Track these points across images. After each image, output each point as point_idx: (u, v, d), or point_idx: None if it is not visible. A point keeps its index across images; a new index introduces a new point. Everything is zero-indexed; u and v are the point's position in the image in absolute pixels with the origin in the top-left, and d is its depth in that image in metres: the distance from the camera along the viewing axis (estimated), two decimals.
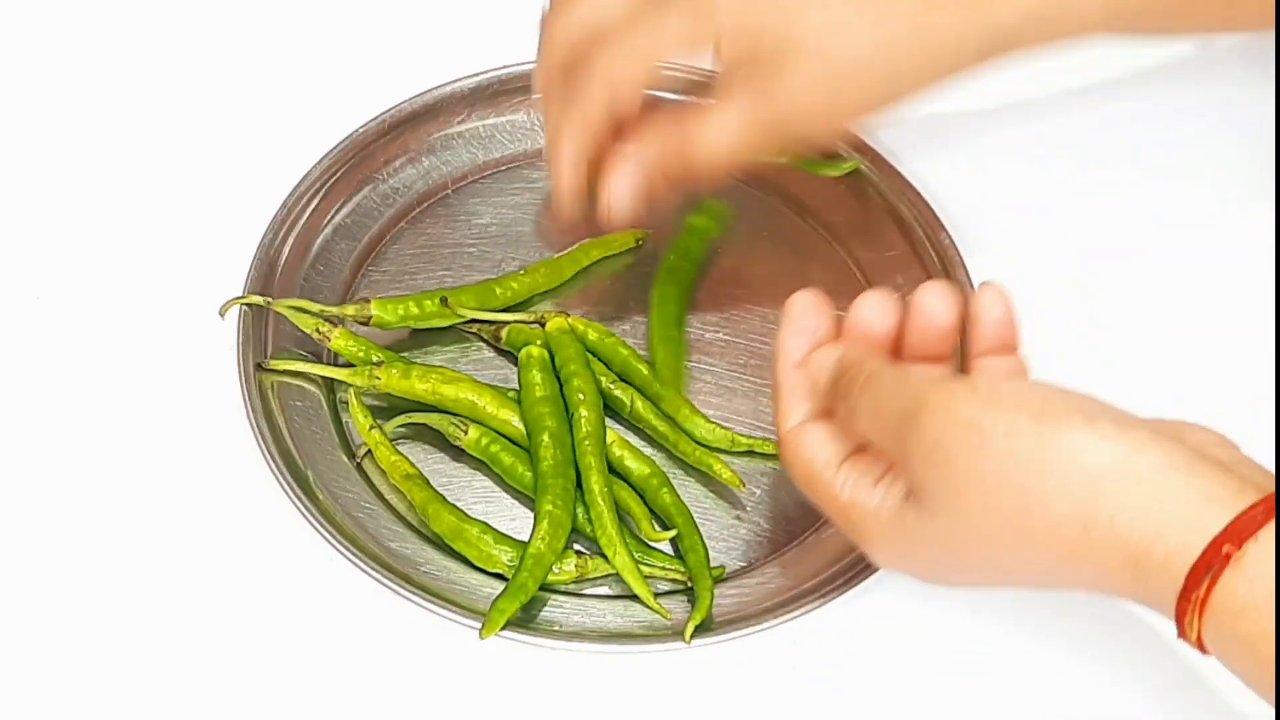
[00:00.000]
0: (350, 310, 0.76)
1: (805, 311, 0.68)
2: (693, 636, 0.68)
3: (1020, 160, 0.85)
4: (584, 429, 0.73)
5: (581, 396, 0.73)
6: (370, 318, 0.76)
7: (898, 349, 0.68)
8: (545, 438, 0.72)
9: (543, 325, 0.76)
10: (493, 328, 0.77)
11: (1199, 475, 0.58)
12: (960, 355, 0.68)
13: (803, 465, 0.66)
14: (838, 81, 0.69)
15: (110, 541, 0.72)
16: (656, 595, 0.70)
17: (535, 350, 0.75)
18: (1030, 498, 0.59)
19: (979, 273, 0.78)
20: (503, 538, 0.71)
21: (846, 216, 0.82)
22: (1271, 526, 0.56)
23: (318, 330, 0.76)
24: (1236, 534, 0.56)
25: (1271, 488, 0.57)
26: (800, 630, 0.70)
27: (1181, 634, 0.58)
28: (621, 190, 0.72)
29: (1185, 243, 0.83)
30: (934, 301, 0.67)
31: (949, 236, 0.80)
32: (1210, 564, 0.56)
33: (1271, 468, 0.60)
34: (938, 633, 0.71)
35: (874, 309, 0.67)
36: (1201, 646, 0.58)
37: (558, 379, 0.74)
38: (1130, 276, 0.82)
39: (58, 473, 0.74)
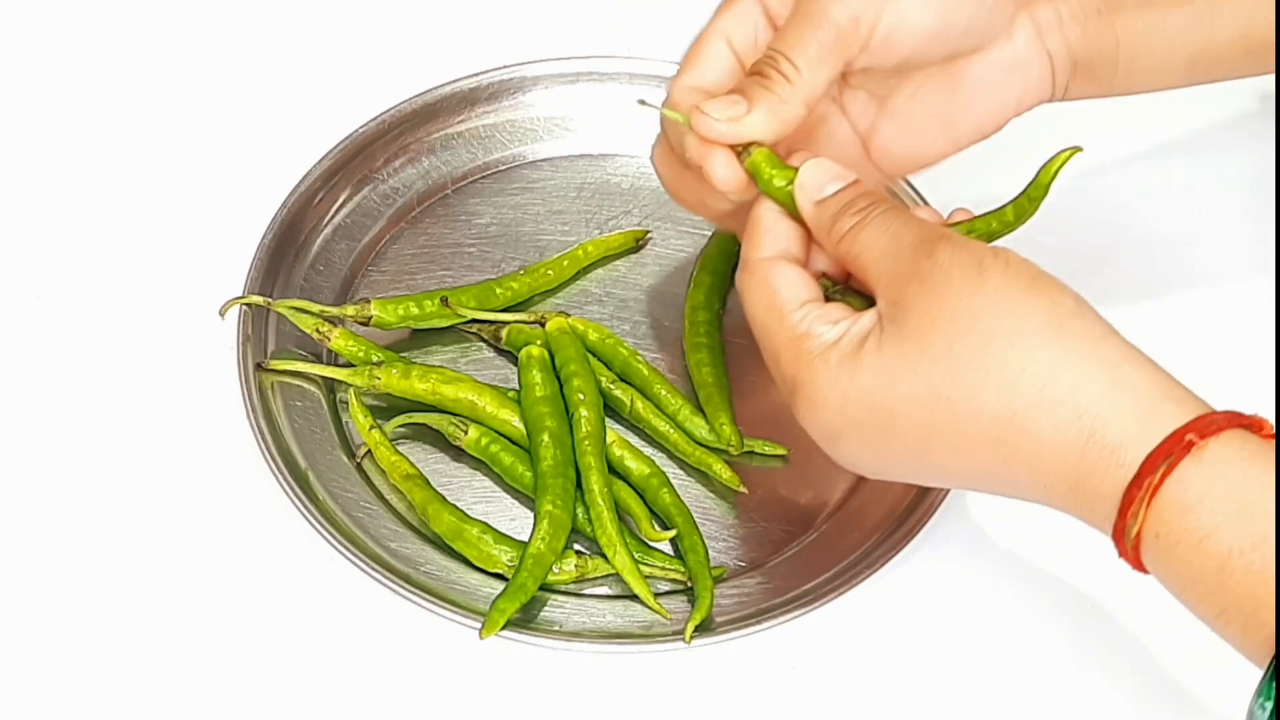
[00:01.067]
0: (350, 310, 0.76)
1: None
2: (693, 636, 0.68)
3: (1020, 158, 0.85)
4: (584, 429, 0.73)
5: (581, 396, 0.73)
6: (370, 318, 0.76)
7: None
8: (545, 438, 0.72)
9: (543, 325, 0.76)
10: (493, 328, 0.77)
11: (1166, 378, 0.58)
12: None
13: (765, 294, 0.65)
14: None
15: (110, 541, 0.72)
16: (657, 595, 0.70)
17: (535, 350, 0.75)
18: (997, 348, 0.58)
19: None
20: (503, 538, 0.71)
21: None
22: (1233, 433, 0.56)
23: (318, 330, 0.76)
24: (1200, 428, 0.56)
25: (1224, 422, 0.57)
26: (800, 630, 0.70)
27: (1120, 528, 0.57)
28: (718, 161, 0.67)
29: (1187, 247, 0.83)
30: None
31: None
32: (1169, 451, 0.56)
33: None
34: (937, 633, 0.71)
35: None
36: (1138, 558, 0.57)
37: (558, 379, 0.74)
38: (1132, 287, 0.82)
39: (58, 473, 0.74)
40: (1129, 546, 0.57)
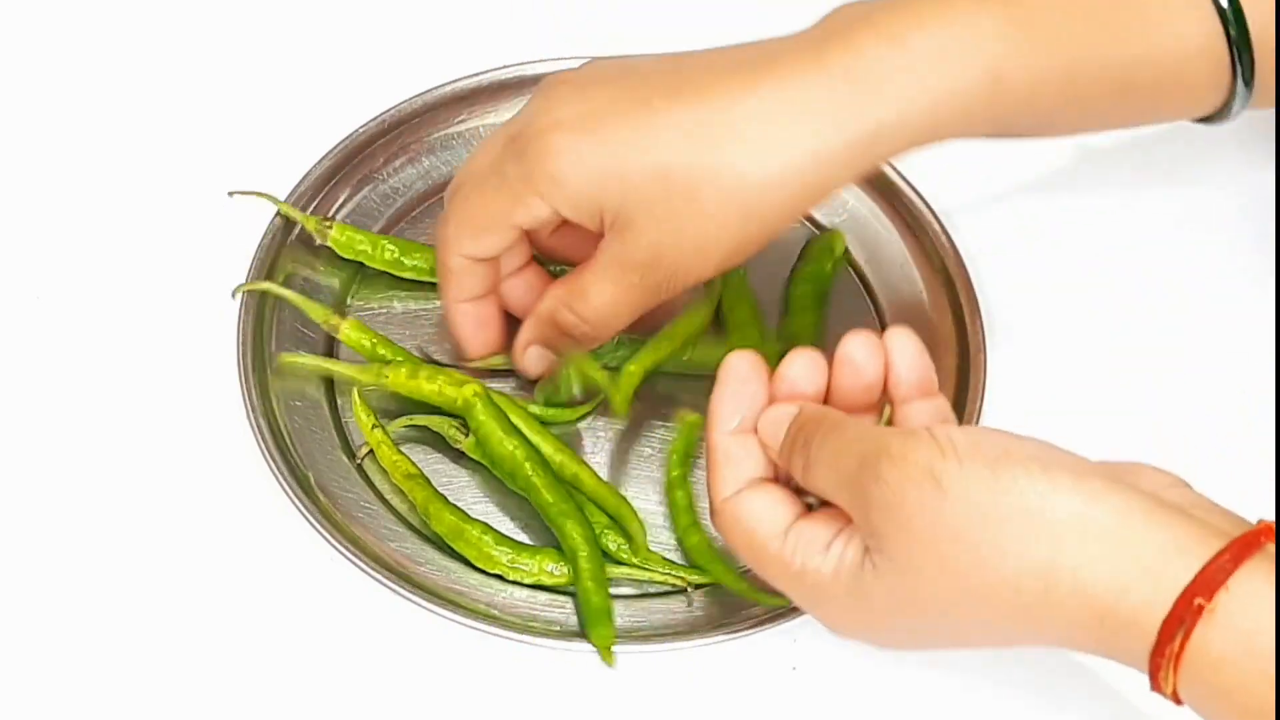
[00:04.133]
0: (312, 222, 0.77)
1: (742, 376, 0.65)
2: (693, 637, 0.69)
3: (1023, 166, 0.85)
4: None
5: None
6: (328, 235, 0.77)
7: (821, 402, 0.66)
8: (531, 476, 0.72)
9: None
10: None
11: (1159, 524, 0.56)
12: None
13: (743, 533, 0.64)
14: (736, 227, 0.67)
15: (110, 541, 0.72)
16: (656, 595, 0.71)
17: (476, 404, 0.74)
18: (988, 552, 0.57)
19: (982, 280, 0.78)
20: (503, 538, 0.71)
21: (849, 223, 0.82)
22: (1241, 574, 0.55)
23: (327, 321, 0.76)
24: (1206, 585, 0.55)
25: (1232, 531, 0.56)
26: (800, 630, 0.70)
27: (1156, 688, 0.57)
28: (530, 359, 0.74)
29: (1189, 254, 0.83)
30: (859, 352, 0.64)
31: (949, 239, 0.80)
32: (1182, 618, 0.55)
33: (1271, 474, 0.60)
34: None
35: (803, 369, 0.65)
36: (1176, 699, 0.57)
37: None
38: (1132, 287, 0.82)
39: (58, 473, 0.74)
40: (1169, 696, 0.57)
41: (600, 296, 0.69)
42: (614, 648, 0.68)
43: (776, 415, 0.64)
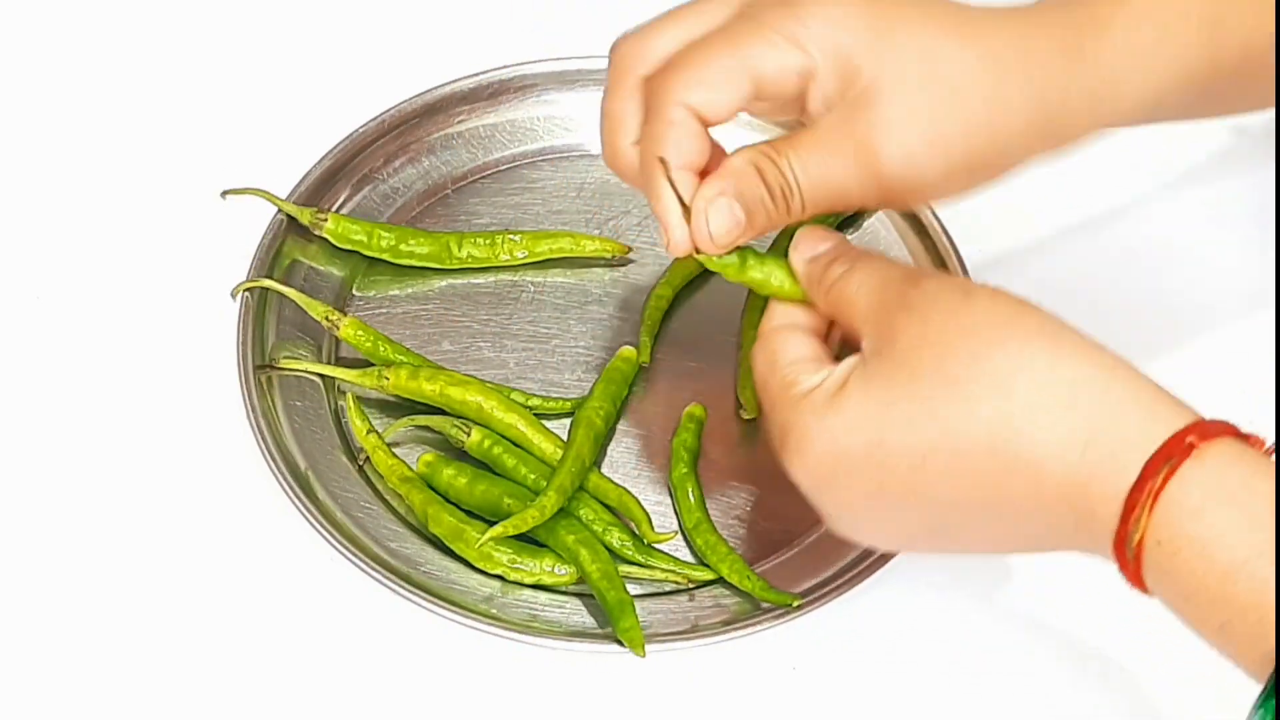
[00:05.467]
0: (307, 215, 0.77)
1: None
2: (693, 636, 0.69)
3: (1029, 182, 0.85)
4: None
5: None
6: (323, 226, 0.78)
7: None
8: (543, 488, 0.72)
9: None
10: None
11: (1156, 383, 0.57)
12: None
13: (769, 354, 0.63)
14: (939, 121, 0.63)
15: (110, 541, 0.72)
16: (657, 595, 0.71)
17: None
18: (992, 351, 0.58)
19: (972, 263, 0.78)
20: (503, 539, 0.71)
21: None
22: (1229, 440, 0.55)
23: (327, 319, 0.76)
24: (1200, 430, 0.55)
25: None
26: (800, 630, 0.70)
27: (1121, 541, 0.55)
28: (718, 213, 0.63)
29: (1187, 249, 0.83)
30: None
31: (941, 224, 0.80)
32: (1171, 454, 0.55)
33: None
34: (937, 633, 0.71)
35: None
36: (1138, 568, 0.56)
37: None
38: (1127, 279, 0.82)
39: (58, 473, 0.74)
40: (1130, 557, 0.56)
41: (823, 167, 0.63)
42: (639, 641, 0.68)
43: (816, 232, 0.65)
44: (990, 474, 0.58)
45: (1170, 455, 0.55)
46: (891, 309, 0.60)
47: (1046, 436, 0.57)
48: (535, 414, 0.75)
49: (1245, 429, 0.57)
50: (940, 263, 0.79)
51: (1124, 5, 0.65)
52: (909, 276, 0.61)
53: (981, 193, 0.66)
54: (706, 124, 0.63)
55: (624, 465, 0.75)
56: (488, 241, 0.79)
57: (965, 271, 0.78)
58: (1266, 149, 0.85)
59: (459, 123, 0.84)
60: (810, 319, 0.65)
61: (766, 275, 0.65)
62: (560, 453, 0.73)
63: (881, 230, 0.81)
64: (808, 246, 0.65)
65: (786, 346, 0.64)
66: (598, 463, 0.74)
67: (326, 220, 0.78)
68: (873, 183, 0.63)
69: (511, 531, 0.69)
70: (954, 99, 0.62)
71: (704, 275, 0.80)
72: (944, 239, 0.80)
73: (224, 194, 0.77)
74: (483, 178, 0.84)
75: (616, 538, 0.72)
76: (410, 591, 0.69)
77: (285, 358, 0.75)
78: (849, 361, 0.61)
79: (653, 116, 0.63)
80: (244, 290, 0.76)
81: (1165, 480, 0.55)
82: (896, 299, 0.60)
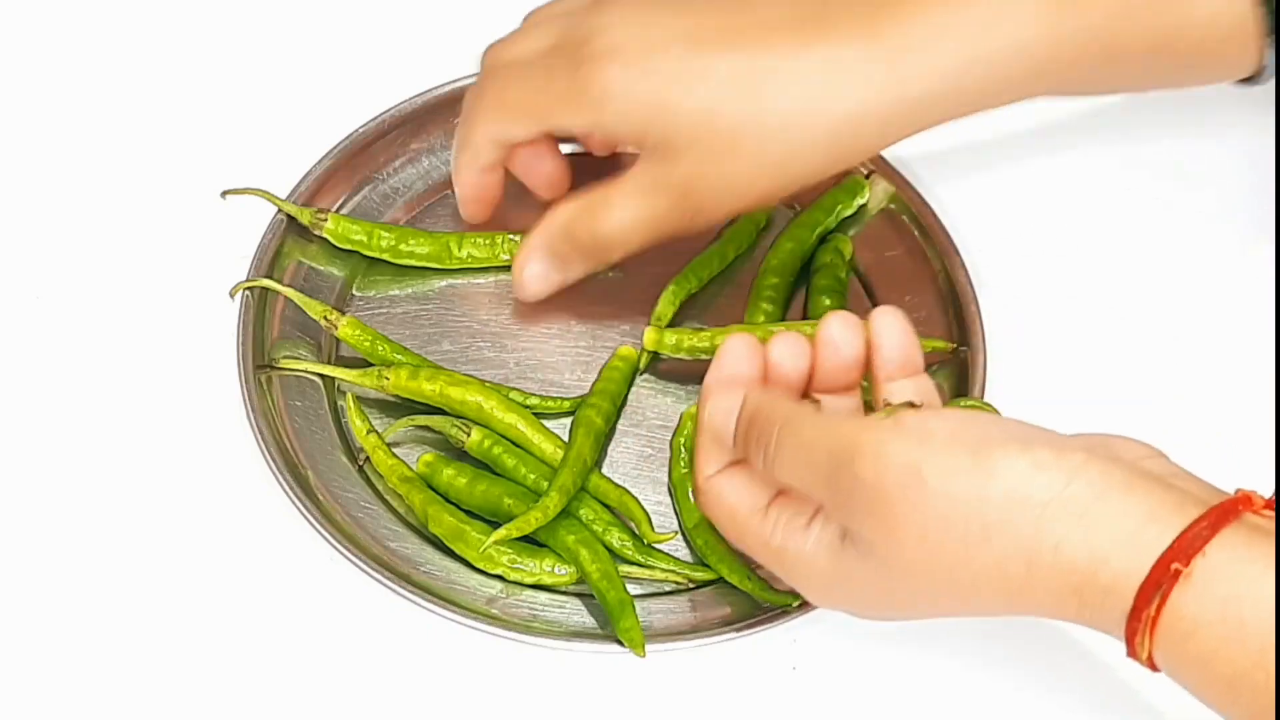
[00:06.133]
0: (307, 215, 0.77)
1: (738, 356, 0.66)
2: (693, 636, 0.69)
3: (1030, 182, 0.85)
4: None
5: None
6: (323, 226, 0.78)
7: (805, 383, 0.67)
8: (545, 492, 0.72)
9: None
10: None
11: (1139, 493, 0.57)
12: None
13: (726, 514, 0.65)
14: (770, 169, 0.70)
15: (110, 541, 0.72)
16: (657, 595, 0.71)
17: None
18: (972, 538, 0.58)
19: (988, 298, 0.78)
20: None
21: (856, 228, 0.82)
22: (1218, 541, 0.55)
23: (325, 318, 0.76)
24: (1183, 551, 0.55)
25: (1210, 499, 0.57)
26: (800, 630, 0.70)
27: (1132, 654, 0.57)
28: (530, 277, 0.75)
29: (1193, 266, 0.83)
30: (839, 332, 0.66)
31: (959, 256, 0.79)
32: (1159, 583, 0.55)
33: (1270, 470, 0.60)
34: (937, 632, 0.71)
35: (787, 351, 0.66)
36: (1152, 665, 0.57)
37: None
38: (1137, 301, 0.82)
39: (58, 473, 0.74)
40: (1144, 662, 0.57)
41: (624, 212, 0.71)
42: (640, 641, 0.68)
43: (725, 404, 0.65)
44: (998, 610, 0.61)
45: (1159, 583, 0.56)
46: (842, 504, 0.60)
47: (1045, 598, 0.59)
48: (535, 414, 0.75)
49: (1239, 490, 0.57)
50: (941, 267, 0.79)
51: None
52: (839, 463, 0.60)
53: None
54: (509, 144, 0.75)
55: (624, 465, 0.75)
56: (487, 241, 0.79)
57: (968, 275, 0.78)
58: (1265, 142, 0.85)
59: (459, 122, 0.83)
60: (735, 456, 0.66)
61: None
62: (560, 453, 0.73)
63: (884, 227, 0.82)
64: (720, 415, 0.65)
65: (737, 497, 0.65)
66: (598, 463, 0.74)
67: (326, 220, 0.78)
68: (695, 218, 0.71)
69: (515, 534, 0.69)
70: (742, 147, 0.69)
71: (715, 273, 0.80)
72: (942, 236, 0.80)
73: (224, 194, 0.77)
74: None
75: (616, 538, 0.72)
76: (410, 592, 0.69)
77: (285, 357, 0.76)
78: (833, 534, 0.62)
79: (462, 137, 0.76)
80: (243, 290, 0.76)
81: (1158, 610, 0.56)
82: (840, 494, 0.60)
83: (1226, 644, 0.55)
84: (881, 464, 0.58)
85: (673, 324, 0.78)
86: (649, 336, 0.76)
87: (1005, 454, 0.58)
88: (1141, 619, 0.56)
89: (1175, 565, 0.55)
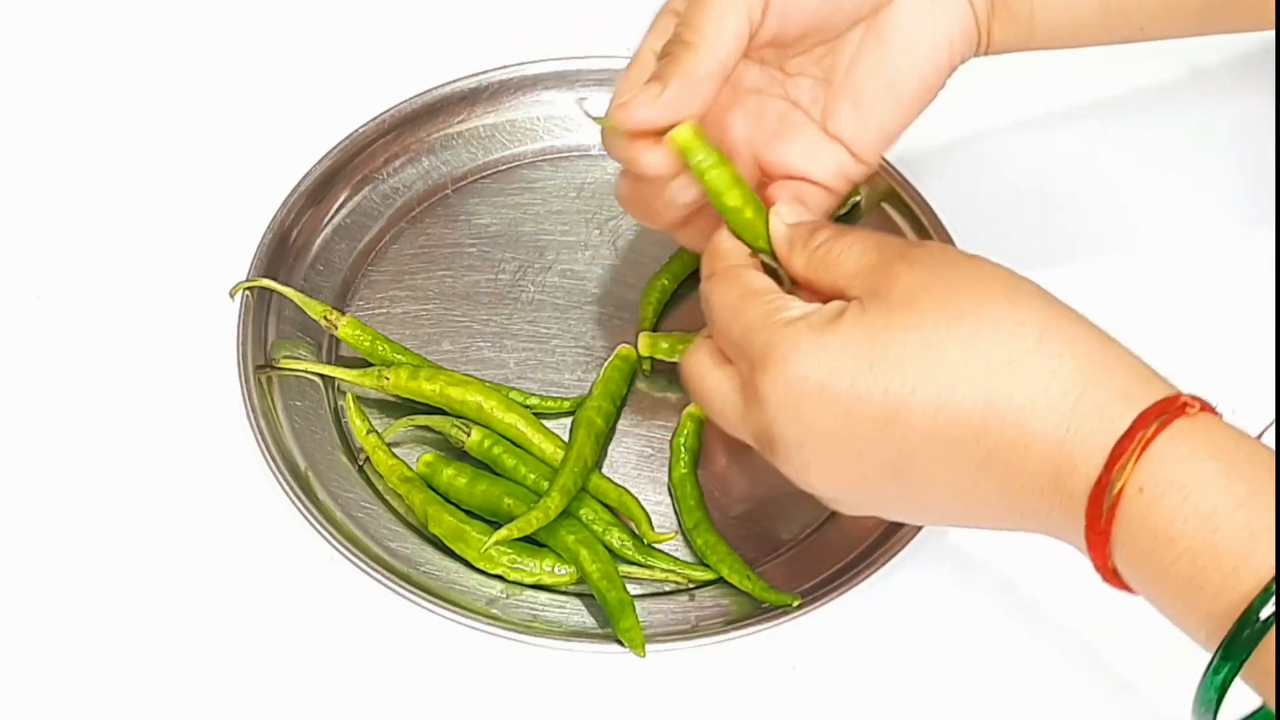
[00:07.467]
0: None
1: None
2: (693, 636, 0.69)
3: (1024, 176, 0.85)
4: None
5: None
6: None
7: None
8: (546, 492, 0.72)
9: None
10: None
11: (1149, 365, 0.58)
12: None
13: (738, 285, 0.64)
14: None
15: (110, 541, 0.72)
16: (657, 595, 0.71)
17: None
18: (998, 299, 0.59)
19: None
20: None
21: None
22: (1214, 416, 0.56)
23: (325, 318, 0.76)
24: (1190, 399, 0.56)
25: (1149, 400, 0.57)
26: (800, 630, 0.70)
27: (1100, 490, 0.55)
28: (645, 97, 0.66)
29: (1191, 253, 0.83)
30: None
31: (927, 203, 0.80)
32: (1163, 410, 0.55)
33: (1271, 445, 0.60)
34: (937, 632, 0.71)
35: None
36: (1111, 522, 0.56)
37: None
38: (1135, 296, 0.82)
39: (58, 473, 0.74)
40: (1105, 508, 0.56)
41: (697, 5, 0.66)
42: (640, 641, 0.68)
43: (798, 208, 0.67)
44: (975, 414, 0.58)
45: (1163, 411, 0.56)
46: (891, 261, 0.61)
47: (1043, 386, 0.57)
48: (535, 414, 0.75)
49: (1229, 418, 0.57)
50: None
51: None
52: (906, 242, 0.63)
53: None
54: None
55: (624, 465, 0.75)
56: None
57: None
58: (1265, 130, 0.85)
59: (459, 123, 0.84)
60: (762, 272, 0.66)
61: (723, 187, 0.65)
62: (560, 452, 0.73)
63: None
64: (791, 212, 0.66)
65: (761, 280, 0.64)
66: (598, 463, 0.74)
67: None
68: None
69: (516, 534, 0.69)
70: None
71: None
72: (937, 232, 0.80)
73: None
74: (483, 178, 0.84)
75: (616, 538, 0.72)
76: (410, 591, 0.69)
77: (285, 357, 0.76)
78: (838, 303, 0.61)
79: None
80: (243, 290, 0.76)
81: (1157, 431, 0.55)
82: (896, 254, 0.61)
83: (1219, 478, 0.54)
84: (947, 246, 0.64)
85: (660, 323, 0.78)
86: (642, 342, 0.76)
87: (1036, 292, 0.60)
88: (1135, 438, 0.55)
89: (1184, 398, 0.56)
